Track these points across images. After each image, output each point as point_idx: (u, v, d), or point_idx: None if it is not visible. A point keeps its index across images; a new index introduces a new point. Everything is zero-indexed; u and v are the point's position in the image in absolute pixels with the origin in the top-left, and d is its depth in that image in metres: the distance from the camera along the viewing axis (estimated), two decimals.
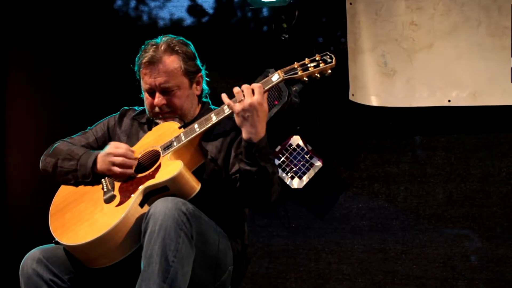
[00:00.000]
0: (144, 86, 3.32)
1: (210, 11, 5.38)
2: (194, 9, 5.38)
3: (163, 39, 3.33)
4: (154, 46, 3.29)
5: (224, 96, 3.10)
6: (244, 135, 3.04)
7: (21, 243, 4.76)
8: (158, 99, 3.27)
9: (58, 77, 5.41)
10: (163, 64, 3.26)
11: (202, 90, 3.40)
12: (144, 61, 3.27)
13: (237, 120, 3.05)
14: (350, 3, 4.87)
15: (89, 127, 3.52)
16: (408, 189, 4.92)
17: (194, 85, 3.35)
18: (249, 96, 3.02)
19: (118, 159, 3.16)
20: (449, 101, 4.71)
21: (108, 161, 3.18)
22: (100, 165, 3.21)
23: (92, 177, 3.23)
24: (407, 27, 4.75)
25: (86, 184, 3.25)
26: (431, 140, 4.89)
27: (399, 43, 4.77)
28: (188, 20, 5.40)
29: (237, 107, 3.03)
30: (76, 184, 3.28)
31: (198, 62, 3.37)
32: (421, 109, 4.78)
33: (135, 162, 3.19)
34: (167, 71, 3.25)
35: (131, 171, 3.17)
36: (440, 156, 4.87)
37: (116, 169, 3.16)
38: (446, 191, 4.85)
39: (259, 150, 3.02)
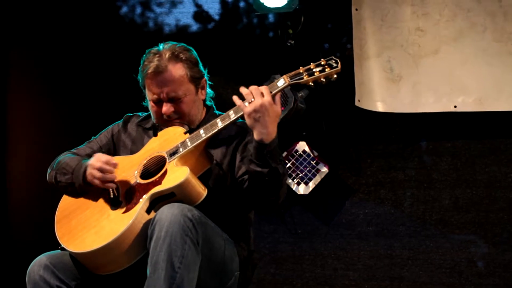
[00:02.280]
0: (150, 96, 3.28)
1: (216, 17, 5.39)
2: (200, 15, 5.39)
3: (165, 46, 3.29)
4: (158, 56, 3.25)
5: (235, 98, 3.08)
6: (256, 136, 3.02)
7: (26, 249, 4.76)
8: (166, 107, 3.25)
9: (62, 83, 5.41)
10: (169, 73, 3.22)
11: (206, 94, 3.39)
12: (149, 71, 3.23)
13: (248, 121, 3.02)
14: (356, 9, 4.87)
15: (93, 137, 3.52)
16: (414, 195, 4.91)
17: (200, 90, 3.34)
18: (259, 96, 3.00)
19: (96, 173, 3.14)
20: (455, 106, 4.70)
21: (90, 173, 3.16)
22: (88, 177, 3.19)
23: (90, 187, 3.22)
24: (413, 33, 4.75)
25: (90, 190, 3.25)
26: (437, 146, 4.88)
27: (405, 48, 4.77)
28: (194, 26, 5.41)
29: (248, 108, 3.00)
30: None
31: (201, 67, 3.35)
32: (427, 114, 4.77)
33: (113, 177, 3.14)
34: (174, 80, 3.23)
35: (112, 185, 3.14)
36: (446, 161, 4.86)
37: (96, 182, 3.15)
38: (452, 197, 4.84)
39: (271, 151, 3.01)
